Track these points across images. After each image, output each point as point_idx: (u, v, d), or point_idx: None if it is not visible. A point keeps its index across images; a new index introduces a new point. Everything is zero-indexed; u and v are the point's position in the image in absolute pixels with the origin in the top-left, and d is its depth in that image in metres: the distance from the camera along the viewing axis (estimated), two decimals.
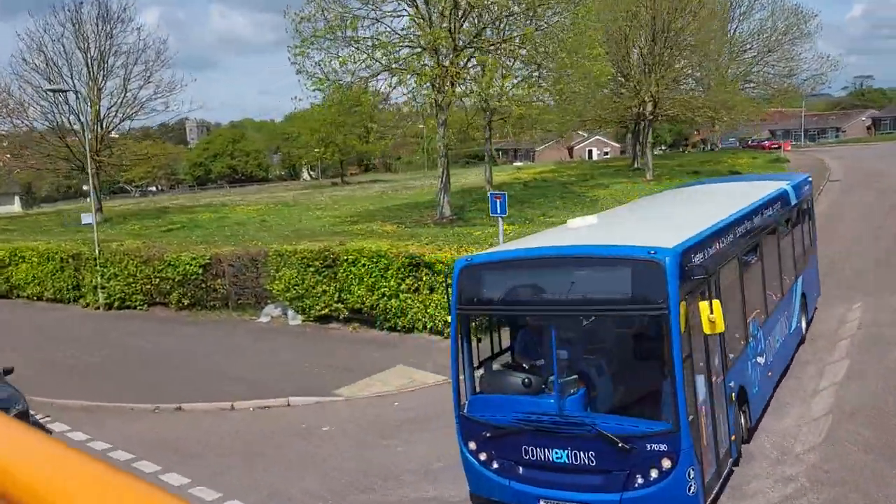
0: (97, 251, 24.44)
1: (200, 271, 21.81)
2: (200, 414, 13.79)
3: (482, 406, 8.65)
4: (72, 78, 38.94)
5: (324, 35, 25.43)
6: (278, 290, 19.90)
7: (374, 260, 17.72)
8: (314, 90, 26.59)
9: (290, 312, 19.91)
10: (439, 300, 16.66)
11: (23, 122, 38.73)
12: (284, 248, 20.01)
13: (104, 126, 40.28)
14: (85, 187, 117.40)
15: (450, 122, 32.65)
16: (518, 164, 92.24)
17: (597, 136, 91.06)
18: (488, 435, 8.37)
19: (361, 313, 18.40)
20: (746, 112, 42.22)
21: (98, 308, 24.62)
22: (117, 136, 41.90)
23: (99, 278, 24.41)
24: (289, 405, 13.79)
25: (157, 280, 22.95)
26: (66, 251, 25.77)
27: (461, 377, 8.80)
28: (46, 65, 38.19)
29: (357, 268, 18.02)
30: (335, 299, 18.76)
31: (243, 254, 21.21)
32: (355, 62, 26.53)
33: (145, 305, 23.68)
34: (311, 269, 19.03)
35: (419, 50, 27.00)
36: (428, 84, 26.43)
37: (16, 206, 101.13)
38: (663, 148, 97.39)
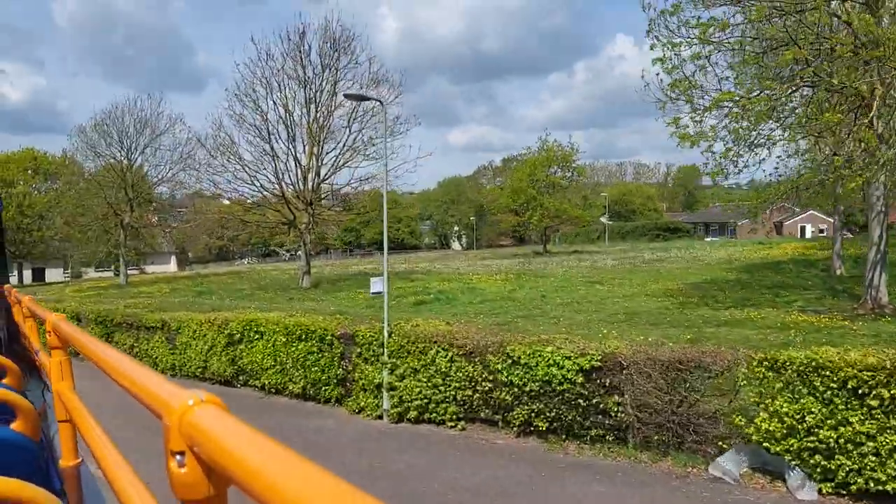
0: (386, 332, 16.66)
1: (580, 379, 13.40)
2: None
3: None
4: (290, 115, 33.05)
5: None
6: (766, 431, 11.07)
7: None
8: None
9: (794, 474, 10.93)
10: None
11: (235, 163, 32.92)
12: (787, 354, 11.20)
13: (321, 175, 33.96)
14: (233, 248, 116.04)
15: None
16: (711, 238, 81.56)
17: (810, 211, 79.04)
18: None
19: None
20: None
21: (380, 417, 16.70)
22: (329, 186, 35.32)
23: (386, 374, 16.54)
24: None
25: (488, 386, 14.78)
26: (327, 328, 18.23)
27: None
28: (268, 99, 32.52)
29: None
30: None
31: (670, 357, 12.60)
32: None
33: (460, 422, 15.50)
34: (870, 397, 10.11)
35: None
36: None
37: (171, 266, 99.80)
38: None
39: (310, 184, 33.59)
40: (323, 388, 18.17)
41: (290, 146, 32.92)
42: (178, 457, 1.01)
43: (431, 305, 24.69)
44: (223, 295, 34.50)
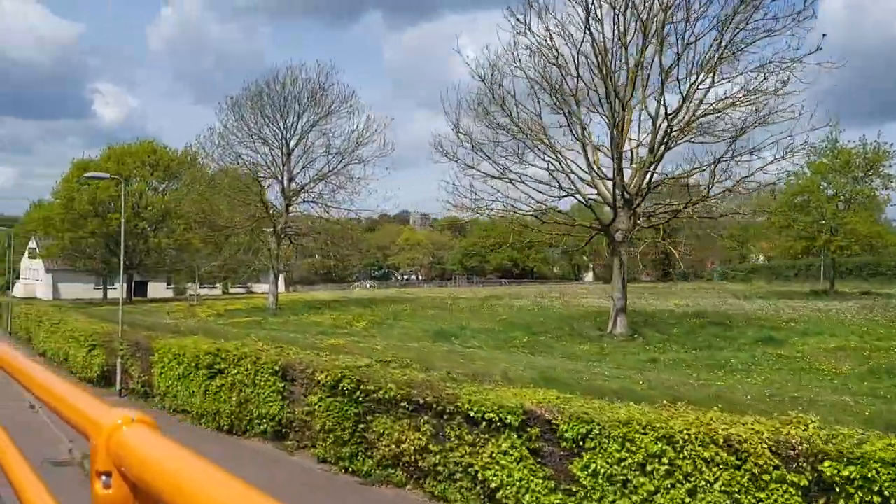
0: None
1: None
2: None
3: None
4: (622, 46, 19.90)
5: None
6: None
7: None
8: None
9: None
10: None
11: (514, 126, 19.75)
12: None
13: (660, 150, 20.54)
14: (342, 268, 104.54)
15: None
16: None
17: None
18: None
19: None
20: None
21: None
22: None
23: None
24: None
25: None
26: None
27: None
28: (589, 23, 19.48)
29: None
30: None
31: None
32: None
33: None
34: None
35: None
36: None
37: (280, 286, 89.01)
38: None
39: (630, 165, 20.27)
40: None
41: (611, 100, 19.67)
42: (104, 477, 0.96)
43: None
44: (480, 337, 21.51)
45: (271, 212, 35.85)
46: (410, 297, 43.91)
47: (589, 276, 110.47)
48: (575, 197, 20.79)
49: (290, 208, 36.81)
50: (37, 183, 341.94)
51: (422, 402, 12.87)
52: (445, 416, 12.50)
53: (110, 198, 51.64)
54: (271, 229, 36.39)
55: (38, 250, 72.95)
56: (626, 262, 21.27)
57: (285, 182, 35.89)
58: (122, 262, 24.01)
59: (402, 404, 13.23)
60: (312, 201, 37.84)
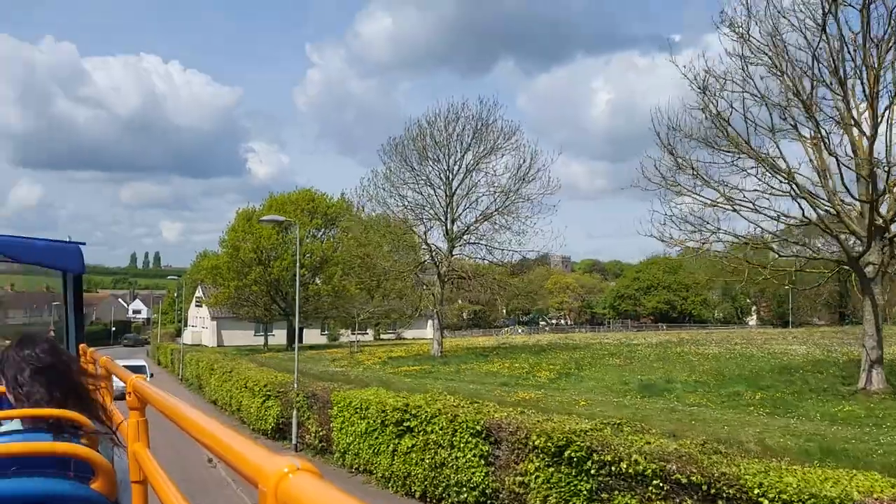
0: None
1: None
2: None
3: None
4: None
5: None
6: None
7: None
8: None
9: None
10: None
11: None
12: None
13: None
14: (489, 313, 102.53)
15: None
16: None
17: None
18: None
19: None
20: None
21: None
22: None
23: None
24: None
25: None
26: None
27: None
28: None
29: None
30: None
31: None
32: None
33: None
34: None
35: None
36: None
37: (428, 332, 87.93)
38: None
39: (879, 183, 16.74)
40: None
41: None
42: None
43: None
44: (698, 392, 18.38)
45: (434, 255, 34.47)
46: (578, 343, 40.90)
47: (752, 320, 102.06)
48: (819, 226, 17.46)
49: (454, 251, 35.29)
50: (196, 238, 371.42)
51: (684, 481, 10.18)
52: (720, 503, 9.73)
53: (272, 246, 52.78)
54: (434, 273, 35.01)
55: (203, 298, 76.44)
56: (880, 302, 17.55)
57: (448, 224, 34.46)
58: (297, 309, 23.12)
59: (655, 482, 10.59)
60: (475, 242, 36.16)
